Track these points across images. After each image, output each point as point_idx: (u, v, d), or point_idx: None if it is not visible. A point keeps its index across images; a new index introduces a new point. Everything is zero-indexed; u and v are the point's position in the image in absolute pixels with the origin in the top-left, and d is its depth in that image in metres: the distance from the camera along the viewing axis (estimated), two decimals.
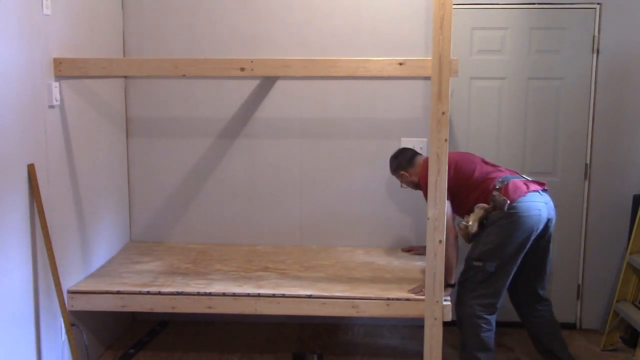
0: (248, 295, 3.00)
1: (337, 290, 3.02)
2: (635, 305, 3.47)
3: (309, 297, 2.98)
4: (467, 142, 3.69)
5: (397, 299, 2.95)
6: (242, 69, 2.82)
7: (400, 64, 2.80)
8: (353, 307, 2.97)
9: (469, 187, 3.08)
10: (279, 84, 3.71)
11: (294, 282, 3.14)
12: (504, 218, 2.96)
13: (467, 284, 3.06)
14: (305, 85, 3.69)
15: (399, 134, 3.70)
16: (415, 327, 3.66)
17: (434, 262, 2.76)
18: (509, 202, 2.94)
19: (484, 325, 3.02)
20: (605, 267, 3.73)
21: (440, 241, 2.74)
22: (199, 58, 3.08)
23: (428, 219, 2.74)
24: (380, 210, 3.78)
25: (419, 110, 3.68)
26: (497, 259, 2.97)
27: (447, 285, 3.00)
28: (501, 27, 3.62)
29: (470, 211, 3.06)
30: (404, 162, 3.30)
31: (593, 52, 3.59)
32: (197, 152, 3.79)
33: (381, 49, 3.60)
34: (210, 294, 3.01)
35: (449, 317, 2.87)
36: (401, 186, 3.44)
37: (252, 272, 3.31)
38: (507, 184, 3.01)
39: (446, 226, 2.84)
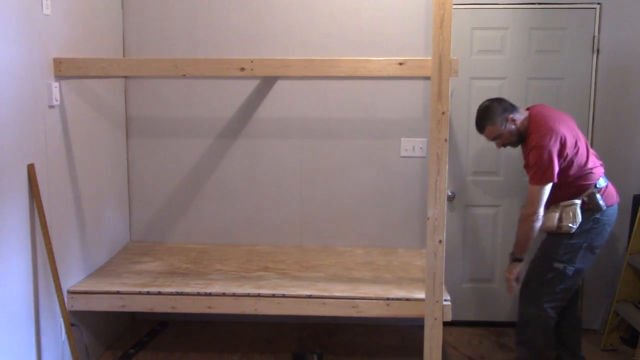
0: (248, 295, 3.00)
1: (337, 290, 3.02)
2: (635, 305, 3.47)
3: (309, 297, 2.98)
4: (467, 142, 3.69)
5: (397, 299, 2.95)
6: (242, 69, 2.83)
7: (400, 64, 2.80)
8: (353, 307, 2.97)
9: (578, 173, 2.92)
10: (279, 84, 3.71)
11: (294, 282, 3.14)
12: (594, 222, 2.92)
13: (543, 287, 2.98)
14: (305, 85, 3.69)
15: (399, 134, 3.70)
16: (415, 327, 3.66)
17: (434, 262, 2.76)
18: (605, 207, 2.91)
19: (552, 324, 3.01)
20: (605, 267, 3.73)
21: (440, 241, 2.74)
22: (199, 58, 3.08)
23: (428, 219, 2.74)
24: (380, 210, 3.77)
25: (419, 110, 3.67)
26: (578, 263, 2.94)
27: (517, 259, 2.98)
28: (501, 27, 3.62)
29: (558, 197, 2.93)
30: (509, 107, 2.99)
31: (593, 52, 3.59)
32: (197, 152, 3.79)
33: (381, 49, 3.60)
34: (210, 294, 3.01)
35: (449, 317, 2.87)
36: (499, 145, 3.08)
37: (252, 272, 3.31)
38: (607, 187, 2.96)
39: (538, 203, 2.84)
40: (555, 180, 2.87)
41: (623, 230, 3.64)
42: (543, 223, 2.95)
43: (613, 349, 3.57)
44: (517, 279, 3.05)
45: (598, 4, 3.55)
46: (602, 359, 3.46)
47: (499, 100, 3.04)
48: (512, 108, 3.01)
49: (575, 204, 2.92)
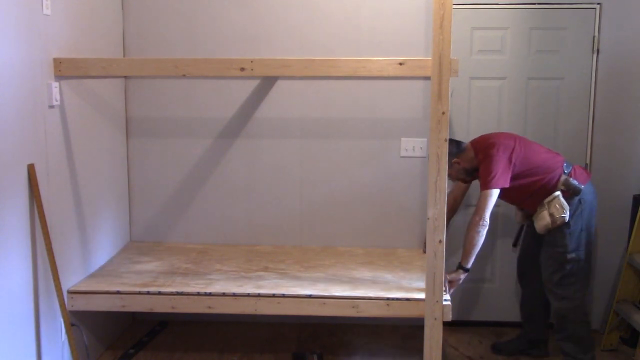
0: (248, 295, 3.00)
1: (337, 290, 3.02)
2: (635, 305, 3.47)
3: (309, 297, 2.98)
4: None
5: (397, 299, 2.95)
6: (242, 69, 2.83)
7: (400, 64, 2.80)
8: (353, 307, 2.97)
9: (537, 169, 3.08)
10: (279, 84, 3.71)
11: (294, 282, 3.14)
12: (581, 204, 3.05)
13: (568, 280, 3.10)
14: (306, 85, 3.69)
15: (399, 134, 3.70)
16: (415, 327, 3.66)
17: (434, 262, 2.76)
18: (582, 186, 3.04)
19: (586, 311, 3.18)
20: (605, 267, 3.73)
21: (440, 241, 2.74)
22: (199, 58, 3.08)
23: (428, 218, 2.74)
24: (380, 210, 3.77)
25: (419, 110, 3.68)
26: (585, 245, 3.08)
27: (463, 268, 3.07)
28: (501, 27, 3.62)
29: (536, 197, 3.08)
30: (453, 149, 3.14)
31: (593, 52, 3.59)
32: (197, 152, 3.79)
33: (381, 49, 3.60)
34: (210, 294, 3.01)
35: (449, 317, 2.86)
36: (453, 179, 3.26)
37: (252, 272, 3.31)
38: (574, 169, 3.11)
39: (485, 209, 2.96)
40: (504, 184, 3.01)
41: (623, 230, 3.64)
42: (537, 224, 3.11)
43: (613, 349, 3.57)
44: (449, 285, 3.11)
45: (598, 4, 3.55)
46: (602, 359, 3.46)
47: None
48: (457, 149, 3.16)
49: (557, 195, 3.04)
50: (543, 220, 3.07)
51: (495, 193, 3.02)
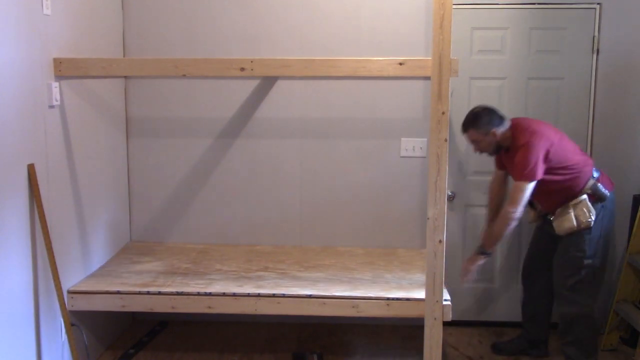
0: (248, 295, 3.00)
1: (337, 290, 3.02)
2: (635, 305, 3.47)
3: (309, 297, 2.98)
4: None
5: (397, 299, 2.95)
6: (242, 69, 2.82)
7: (400, 64, 2.80)
8: (353, 307, 2.97)
9: (569, 169, 3.01)
10: (279, 84, 3.71)
11: (294, 282, 3.14)
12: (602, 211, 3.02)
13: (582, 285, 3.06)
14: (306, 85, 3.69)
15: (399, 134, 3.70)
16: (415, 327, 3.66)
17: (434, 262, 2.76)
18: (608, 193, 3.02)
19: (595, 317, 3.11)
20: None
21: (440, 241, 2.74)
22: (199, 58, 3.08)
23: (428, 218, 2.74)
24: (380, 210, 3.77)
25: (419, 110, 3.68)
26: (602, 252, 3.05)
27: (484, 252, 3.05)
28: (501, 27, 3.62)
29: (558, 196, 3.03)
30: (497, 119, 3.09)
31: (593, 52, 3.59)
32: (197, 152, 3.79)
33: (381, 49, 3.60)
34: (210, 294, 3.01)
35: (449, 317, 2.87)
36: (476, 149, 3.20)
37: (252, 272, 3.31)
38: (602, 175, 3.07)
39: (520, 201, 2.92)
40: (540, 177, 2.96)
41: (623, 230, 3.64)
42: (560, 225, 3.06)
43: (613, 349, 3.57)
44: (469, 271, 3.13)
45: (598, 4, 3.55)
46: (602, 359, 3.46)
47: (490, 111, 3.12)
48: (500, 121, 3.09)
49: (584, 199, 3.00)
50: (568, 222, 3.01)
51: (532, 185, 2.95)
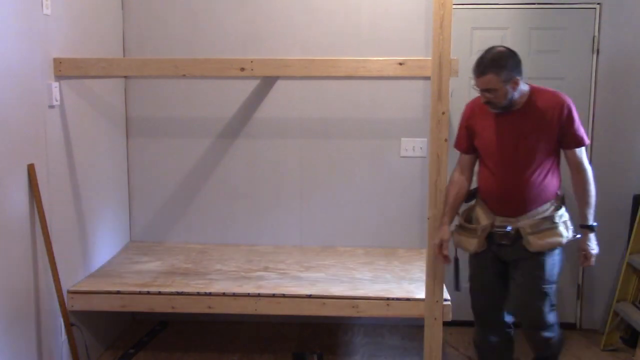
0: (248, 295, 3.00)
1: (337, 290, 3.02)
2: (635, 305, 3.47)
3: (309, 297, 2.98)
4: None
5: (397, 299, 2.95)
6: (242, 69, 2.83)
7: (400, 64, 2.80)
8: (353, 307, 2.97)
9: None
10: (279, 84, 3.71)
11: (294, 282, 3.14)
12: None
13: (554, 307, 2.72)
14: (305, 85, 3.69)
15: (399, 134, 3.70)
16: (415, 327, 3.66)
17: (434, 262, 2.76)
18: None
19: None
20: (605, 267, 3.72)
21: None
22: (199, 58, 3.08)
23: (428, 218, 2.74)
24: (380, 211, 3.77)
25: (419, 110, 3.68)
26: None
27: (588, 227, 2.63)
28: (501, 27, 3.62)
29: (542, 193, 2.62)
30: (521, 67, 2.59)
31: (593, 52, 3.59)
32: (197, 152, 3.79)
33: (381, 49, 3.60)
34: (210, 294, 3.01)
35: (449, 317, 2.87)
36: (486, 99, 2.62)
37: (252, 272, 3.31)
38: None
39: (587, 162, 2.63)
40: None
41: (623, 230, 3.64)
42: (543, 240, 2.61)
43: (613, 349, 3.57)
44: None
45: (598, 4, 3.55)
46: (602, 359, 3.46)
47: (514, 54, 2.59)
48: (521, 74, 2.60)
49: (568, 216, 2.67)
50: (556, 237, 2.61)
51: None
